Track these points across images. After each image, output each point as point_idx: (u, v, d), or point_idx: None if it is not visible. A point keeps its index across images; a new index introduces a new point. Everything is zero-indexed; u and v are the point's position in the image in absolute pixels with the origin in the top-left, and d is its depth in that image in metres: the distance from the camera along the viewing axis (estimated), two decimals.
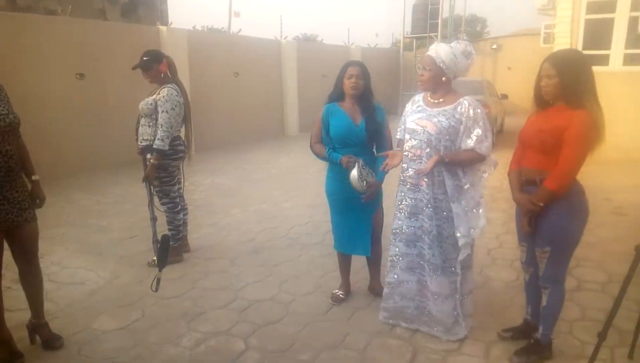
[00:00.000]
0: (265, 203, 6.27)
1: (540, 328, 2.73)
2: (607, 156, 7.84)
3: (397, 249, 3.01)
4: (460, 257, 2.84)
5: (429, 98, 2.88)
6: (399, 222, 2.97)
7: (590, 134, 2.38)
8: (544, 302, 2.68)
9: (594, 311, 3.24)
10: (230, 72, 11.07)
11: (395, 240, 3.01)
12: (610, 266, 3.94)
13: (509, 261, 4.14)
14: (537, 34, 16.63)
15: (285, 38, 13.34)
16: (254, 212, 5.86)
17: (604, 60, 8.32)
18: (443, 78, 2.78)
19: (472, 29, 40.27)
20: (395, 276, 3.04)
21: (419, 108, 2.89)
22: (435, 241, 2.85)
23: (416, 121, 2.84)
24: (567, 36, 8.44)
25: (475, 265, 3.76)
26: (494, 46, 20.37)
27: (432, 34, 17.52)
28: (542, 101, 2.55)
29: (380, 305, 3.18)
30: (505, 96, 12.51)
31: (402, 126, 3.00)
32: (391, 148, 3.21)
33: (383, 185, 3.21)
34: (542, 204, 2.48)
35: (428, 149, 2.77)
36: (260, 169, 8.57)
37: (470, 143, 2.72)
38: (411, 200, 2.90)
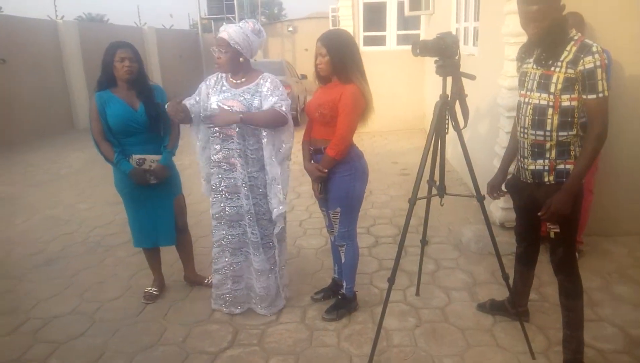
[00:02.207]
0: (56, 207, 5.49)
1: (344, 284, 2.99)
2: (392, 126, 8.96)
3: (222, 232, 2.95)
4: (276, 231, 2.92)
5: (231, 79, 2.83)
6: (221, 205, 2.90)
7: (359, 104, 2.64)
8: (343, 259, 2.94)
9: (389, 262, 3.66)
10: None
11: (220, 223, 2.94)
12: (399, 220, 4.53)
13: (319, 230, 4.42)
14: (327, 17, 17.95)
15: (61, 18, 11.74)
16: (42, 219, 5.08)
17: (382, 41, 9.36)
18: (241, 59, 2.75)
19: (270, 12, 41.48)
20: (226, 259, 2.99)
21: (224, 88, 2.82)
22: (254, 220, 2.86)
23: (222, 101, 2.76)
24: (349, 19, 9.17)
25: (289, 236, 3.92)
26: (290, 29, 21.32)
27: (229, 15, 17.47)
28: (320, 77, 2.74)
29: (213, 294, 3.10)
30: (304, 76, 13.21)
31: (196, 98, 2.87)
32: (178, 127, 3.14)
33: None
34: (326, 170, 2.69)
35: (238, 129, 2.73)
36: (47, 169, 7.46)
37: (273, 98, 2.71)
38: (229, 180, 2.85)
